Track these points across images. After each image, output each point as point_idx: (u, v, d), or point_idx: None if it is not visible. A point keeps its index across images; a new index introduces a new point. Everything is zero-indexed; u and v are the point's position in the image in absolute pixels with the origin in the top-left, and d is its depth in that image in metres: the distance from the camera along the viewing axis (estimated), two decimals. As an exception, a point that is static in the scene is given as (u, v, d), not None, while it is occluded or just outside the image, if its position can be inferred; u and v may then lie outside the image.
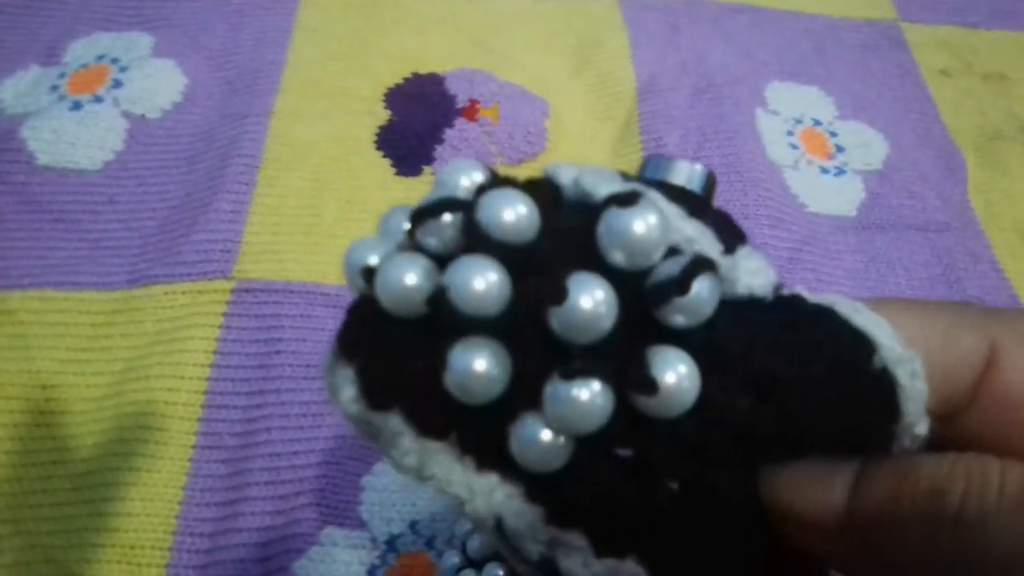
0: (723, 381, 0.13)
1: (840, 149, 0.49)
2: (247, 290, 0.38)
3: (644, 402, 0.12)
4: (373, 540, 0.33)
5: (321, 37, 0.49)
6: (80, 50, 0.46)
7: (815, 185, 0.47)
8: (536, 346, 0.13)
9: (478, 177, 0.14)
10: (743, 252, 0.15)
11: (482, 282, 0.12)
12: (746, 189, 0.45)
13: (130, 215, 0.41)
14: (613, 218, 0.13)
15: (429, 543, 0.33)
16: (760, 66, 0.52)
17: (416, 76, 0.48)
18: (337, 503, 0.33)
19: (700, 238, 0.14)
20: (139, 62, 0.46)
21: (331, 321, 0.38)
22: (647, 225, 0.13)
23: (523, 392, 0.13)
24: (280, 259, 0.39)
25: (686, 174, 0.16)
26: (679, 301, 0.12)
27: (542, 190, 0.14)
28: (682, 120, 0.48)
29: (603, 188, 0.14)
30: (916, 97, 0.53)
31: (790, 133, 0.49)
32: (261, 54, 0.47)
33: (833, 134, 0.50)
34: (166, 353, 0.36)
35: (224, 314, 0.37)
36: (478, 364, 0.12)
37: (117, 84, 0.44)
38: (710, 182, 0.17)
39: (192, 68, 0.46)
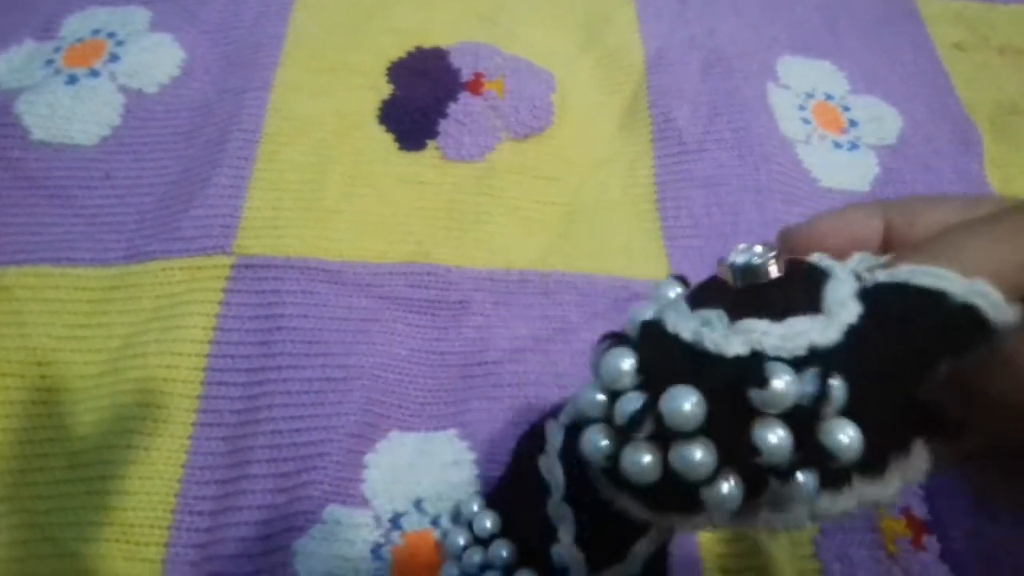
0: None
1: (853, 123, 0.48)
2: (247, 266, 0.37)
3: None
4: (377, 518, 0.32)
5: (322, 11, 0.48)
6: (76, 24, 0.45)
7: (828, 160, 0.46)
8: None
9: (628, 367, 0.18)
10: (827, 291, 0.17)
11: (701, 460, 0.16)
12: (758, 164, 0.44)
13: (127, 191, 0.40)
14: (768, 401, 0.16)
15: (434, 521, 0.32)
16: (771, 40, 0.51)
17: (420, 50, 0.47)
18: (339, 481, 0.32)
19: (822, 344, 0.16)
20: (136, 36, 0.45)
21: (333, 297, 0.37)
22: (792, 390, 0.16)
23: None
24: (281, 235, 0.38)
25: (758, 265, 0.18)
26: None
27: (662, 346, 0.18)
28: (691, 94, 0.47)
29: (730, 346, 0.17)
30: (930, 71, 0.52)
31: (802, 108, 0.48)
32: (261, 28, 0.46)
33: (846, 108, 0.49)
34: (164, 330, 0.35)
35: (223, 290, 0.37)
36: (728, 493, 0.17)
37: (114, 58, 0.43)
38: (772, 252, 0.18)
39: (190, 42, 0.45)
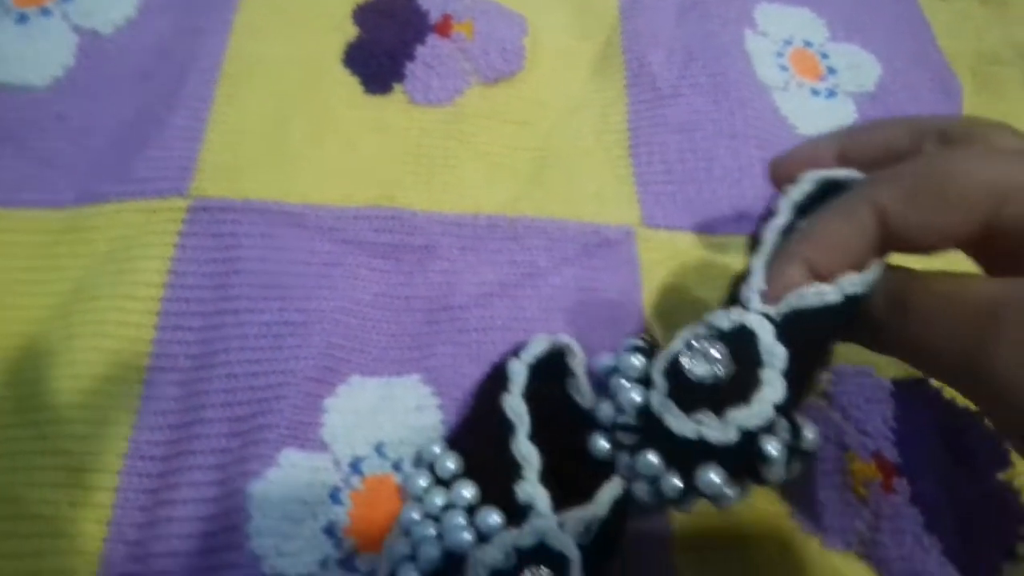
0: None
1: (832, 71, 0.47)
2: (204, 208, 0.36)
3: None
4: (336, 462, 0.31)
5: (286, -47, 0.46)
6: (27, -37, 0.43)
7: (806, 107, 0.45)
8: None
9: (658, 461, 0.25)
10: (761, 349, 0.24)
11: (717, 478, 0.24)
12: (733, 109, 0.43)
13: (81, 133, 0.39)
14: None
15: (396, 466, 0.32)
16: (749, -14, 0.50)
17: (387, -8, 0.45)
18: (297, 424, 0.31)
19: (781, 400, 0.23)
20: (91, -25, 0.43)
21: (293, 240, 0.36)
22: (782, 449, 0.24)
23: None
24: (240, 177, 0.37)
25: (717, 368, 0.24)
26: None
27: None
28: (666, 39, 0.45)
29: (729, 437, 0.23)
30: (911, 20, 0.51)
31: (780, 55, 0.47)
32: (221, -32, 0.44)
33: (824, 56, 0.48)
34: (118, 273, 0.34)
35: (179, 233, 0.35)
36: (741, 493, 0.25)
37: (67, -3, 0.42)
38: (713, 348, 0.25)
39: (147, -19, 0.43)
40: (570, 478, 0.29)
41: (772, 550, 0.32)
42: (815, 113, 0.45)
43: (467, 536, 0.26)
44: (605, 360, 0.27)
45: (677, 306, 0.37)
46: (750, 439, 0.23)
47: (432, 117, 0.41)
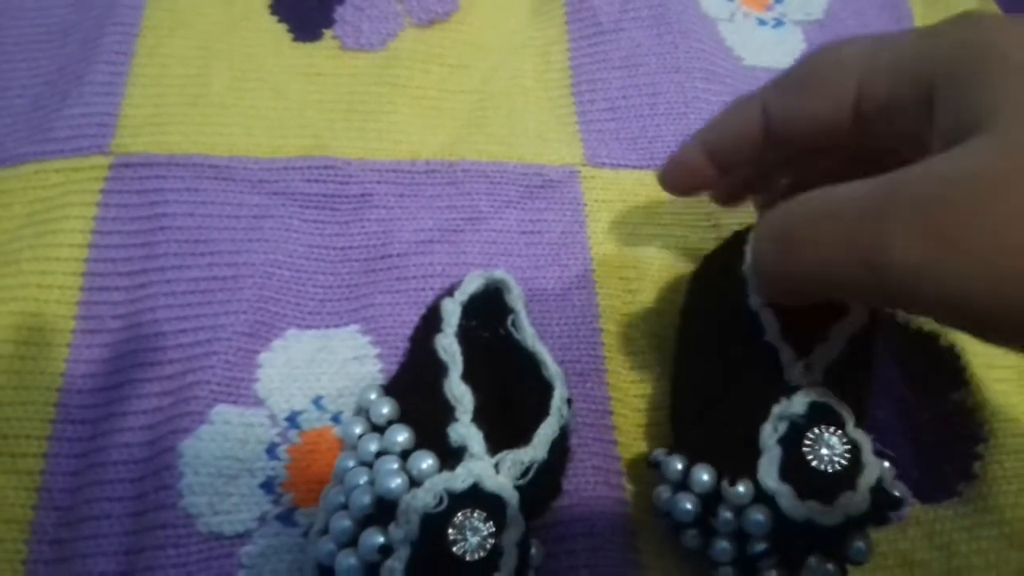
0: None
1: (778, 0, 0.46)
2: (126, 165, 0.35)
3: None
4: (272, 417, 0.30)
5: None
6: (-68, -83, 0.41)
7: (752, 38, 0.44)
8: None
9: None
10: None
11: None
12: (677, 42, 0.42)
13: (-4, 93, 0.37)
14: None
15: (335, 418, 0.31)
16: (693, -84, 0.48)
17: (315, -65, 0.43)
18: (230, 380, 0.30)
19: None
20: (0, -72, 0.41)
21: (221, 194, 0.35)
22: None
23: None
24: (163, 132, 0.36)
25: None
26: None
27: None
28: (608, -27, 0.44)
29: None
30: (860, -55, 0.50)
31: (725, -15, 0.46)
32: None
33: (771, -16, 0.46)
34: (38, 235, 0.33)
35: (102, 191, 0.34)
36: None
37: (-24, -48, 0.40)
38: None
39: (60, -67, 0.41)
40: (511, 415, 0.29)
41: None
42: (762, 44, 0.44)
43: (399, 481, 0.25)
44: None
45: (623, 246, 0.37)
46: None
47: (364, 62, 0.40)
